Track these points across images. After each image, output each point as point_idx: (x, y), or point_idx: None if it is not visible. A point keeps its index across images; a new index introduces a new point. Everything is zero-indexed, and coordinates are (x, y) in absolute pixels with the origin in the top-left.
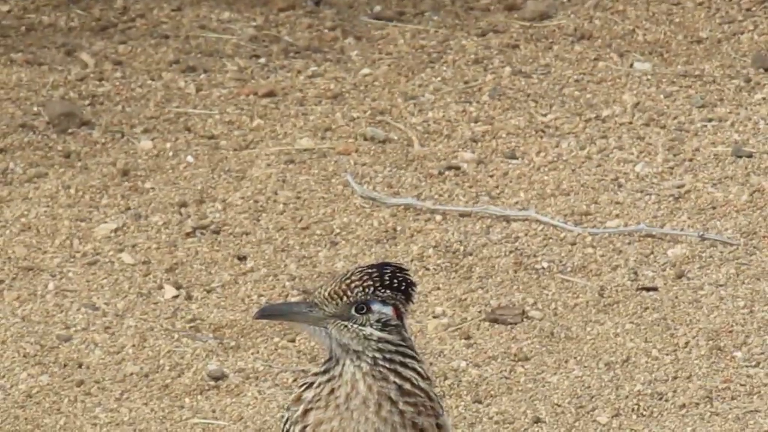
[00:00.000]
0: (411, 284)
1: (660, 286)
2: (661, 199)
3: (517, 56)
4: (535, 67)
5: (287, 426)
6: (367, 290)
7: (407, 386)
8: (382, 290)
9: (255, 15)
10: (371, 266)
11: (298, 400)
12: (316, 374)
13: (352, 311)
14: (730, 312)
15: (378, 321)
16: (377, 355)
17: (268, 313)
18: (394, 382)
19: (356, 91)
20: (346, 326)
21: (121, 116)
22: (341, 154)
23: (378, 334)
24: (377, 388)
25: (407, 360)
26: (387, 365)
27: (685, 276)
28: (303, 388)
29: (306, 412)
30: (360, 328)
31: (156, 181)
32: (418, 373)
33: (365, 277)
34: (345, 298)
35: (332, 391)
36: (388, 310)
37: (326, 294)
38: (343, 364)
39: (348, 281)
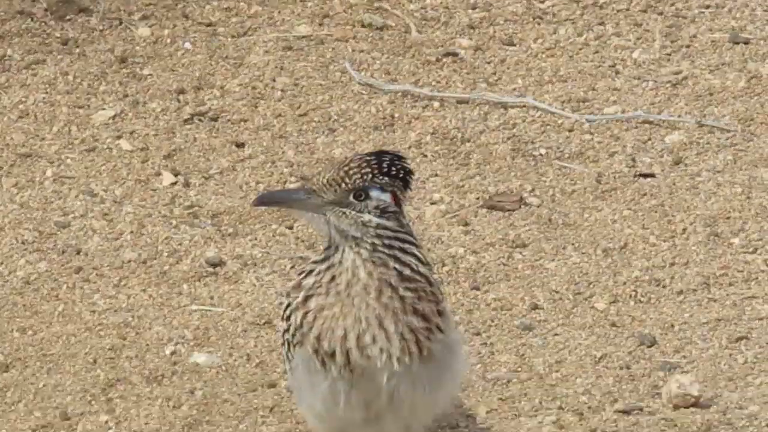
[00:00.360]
0: (409, 172)
1: (657, 172)
2: (658, 85)
3: None
4: None
5: (287, 312)
6: (365, 177)
7: (407, 272)
8: (381, 177)
9: None
10: (370, 154)
11: (299, 287)
12: (315, 262)
13: (351, 198)
14: (728, 198)
15: (376, 208)
16: (376, 241)
17: (266, 200)
18: (394, 268)
19: None
20: (344, 213)
21: (119, 3)
22: (339, 41)
23: (376, 220)
24: (377, 274)
25: (406, 246)
26: (386, 251)
27: (682, 162)
28: (302, 276)
29: (307, 298)
30: (358, 214)
31: (154, 68)
32: (418, 259)
33: (363, 165)
34: (343, 185)
35: (333, 278)
36: (387, 197)
37: (324, 181)
38: (343, 251)
39: (346, 168)
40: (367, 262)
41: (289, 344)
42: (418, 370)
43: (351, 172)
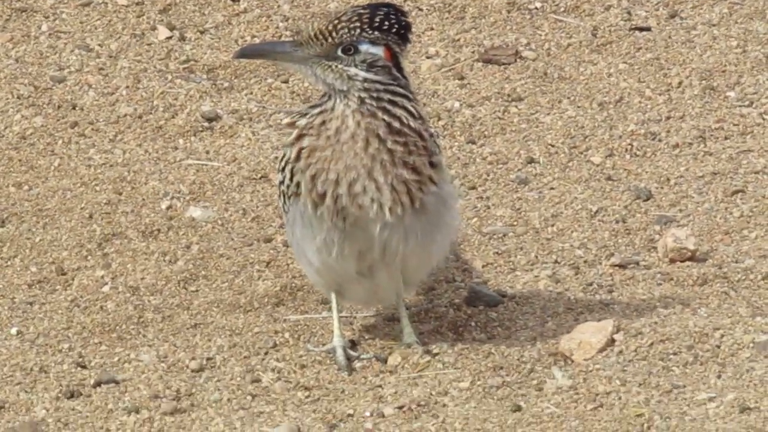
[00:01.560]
0: (406, 25)
1: (653, 25)
2: None
3: None
4: None
5: (282, 164)
6: (353, 32)
7: (396, 124)
8: (371, 31)
9: None
10: (364, 7)
11: (293, 125)
12: (311, 107)
13: (338, 52)
14: (723, 52)
15: (364, 62)
16: (363, 94)
17: (248, 52)
18: (383, 120)
19: None
20: (330, 66)
21: None
22: None
23: (364, 74)
24: (365, 124)
25: (397, 99)
26: (374, 104)
27: (678, 15)
28: (296, 117)
29: (300, 136)
30: (345, 68)
31: None
32: (409, 112)
33: (354, 18)
34: (330, 39)
35: (323, 122)
36: (378, 51)
37: (312, 33)
38: (335, 101)
39: (336, 22)
40: (355, 113)
41: (284, 196)
42: (410, 221)
43: (339, 26)
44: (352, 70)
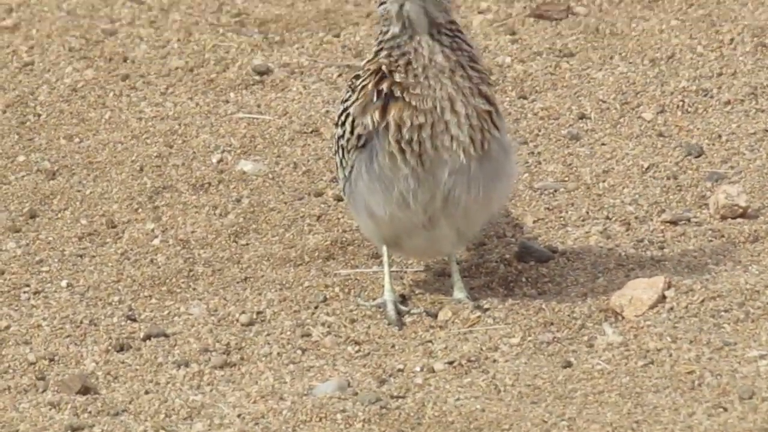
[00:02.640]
0: None
1: None
2: None
3: None
4: None
5: (342, 118)
6: None
7: (476, 53)
8: None
9: None
10: None
11: (375, 59)
12: (385, 44)
13: None
14: None
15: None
16: (447, 28)
17: None
18: (466, 51)
19: None
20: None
21: None
22: None
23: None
24: (454, 56)
25: (466, 36)
26: (460, 36)
27: None
28: (373, 57)
29: (390, 72)
30: (447, 2)
31: None
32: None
33: None
34: None
35: (409, 62)
36: None
37: None
38: (419, 39)
39: None
40: (444, 48)
41: (343, 150)
42: (475, 169)
43: None
44: (448, 5)
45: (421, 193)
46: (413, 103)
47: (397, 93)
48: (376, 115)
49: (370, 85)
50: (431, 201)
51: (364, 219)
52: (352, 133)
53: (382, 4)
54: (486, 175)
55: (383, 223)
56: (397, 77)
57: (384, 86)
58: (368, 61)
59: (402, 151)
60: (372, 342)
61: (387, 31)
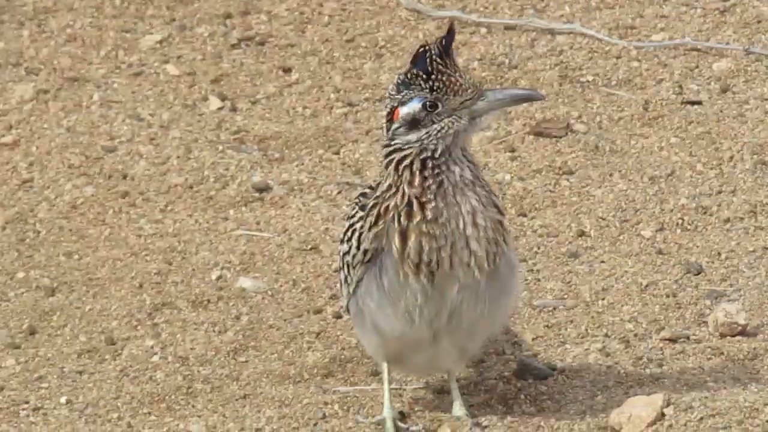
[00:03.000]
0: None
1: (705, 99)
2: (706, 12)
3: None
4: None
5: (350, 234)
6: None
7: (479, 171)
8: None
9: None
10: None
11: (397, 188)
12: (418, 172)
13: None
14: None
15: None
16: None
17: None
18: (475, 162)
19: None
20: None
21: None
22: None
23: None
24: (474, 168)
25: None
26: (468, 154)
27: (730, 90)
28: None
29: (422, 203)
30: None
31: None
32: None
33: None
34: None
35: (441, 183)
36: None
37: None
38: (455, 157)
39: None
40: (468, 162)
41: (348, 267)
42: (483, 286)
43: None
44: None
45: (428, 308)
46: (435, 231)
47: (419, 222)
48: (397, 241)
49: (395, 219)
50: (436, 317)
51: (369, 334)
52: (358, 248)
53: (436, 119)
54: (493, 292)
55: (390, 338)
56: (429, 212)
57: (409, 221)
58: (386, 191)
59: (417, 268)
60: None
61: (427, 153)
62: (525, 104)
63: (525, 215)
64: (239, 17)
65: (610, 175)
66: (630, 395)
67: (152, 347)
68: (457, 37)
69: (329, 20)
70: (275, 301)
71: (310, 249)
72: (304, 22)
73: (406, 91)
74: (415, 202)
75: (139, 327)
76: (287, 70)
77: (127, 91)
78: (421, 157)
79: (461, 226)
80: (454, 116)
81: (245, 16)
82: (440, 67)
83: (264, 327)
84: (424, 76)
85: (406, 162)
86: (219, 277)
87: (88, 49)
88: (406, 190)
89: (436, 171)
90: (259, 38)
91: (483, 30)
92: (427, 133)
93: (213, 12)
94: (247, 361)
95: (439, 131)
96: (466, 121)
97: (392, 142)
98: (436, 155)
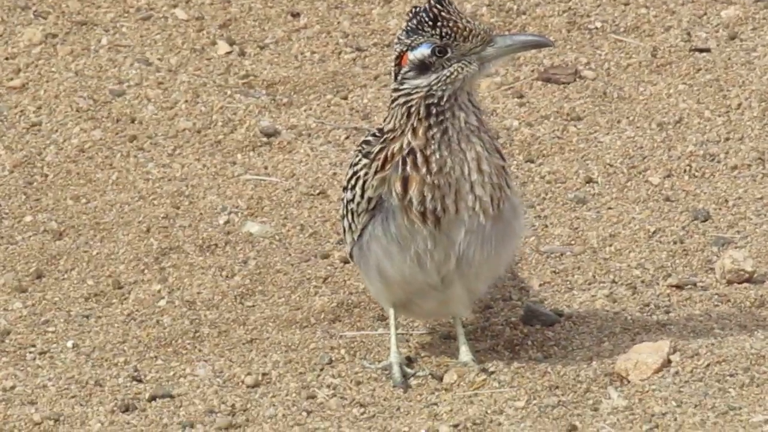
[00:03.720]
0: None
1: (713, 47)
2: None
3: None
4: None
5: (353, 182)
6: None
7: (483, 116)
8: None
9: None
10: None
11: (401, 135)
12: (422, 119)
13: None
14: None
15: None
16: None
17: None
18: (480, 107)
19: None
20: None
21: None
22: None
23: None
24: (479, 113)
25: None
26: (475, 100)
27: (738, 37)
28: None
29: (426, 156)
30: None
31: None
32: None
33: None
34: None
35: (445, 130)
36: None
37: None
38: (461, 103)
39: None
40: (474, 107)
41: (353, 214)
42: (489, 229)
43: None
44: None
45: (437, 253)
46: (439, 182)
47: (423, 174)
48: (398, 187)
49: (399, 165)
50: (445, 261)
51: (375, 281)
52: (362, 196)
53: (446, 65)
54: (497, 234)
55: (396, 284)
56: (434, 164)
57: (413, 171)
58: (391, 132)
59: (423, 216)
60: (377, 404)
61: (433, 99)
62: (534, 51)
63: (533, 161)
64: None
65: (618, 121)
66: (636, 342)
67: (159, 291)
68: None
69: None
70: (282, 245)
71: (318, 194)
72: None
73: (415, 36)
74: (419, 153)
75: (146, 271)
76: (296, 15)
77: (135, 35)
78: (427, 102)
79: (466, 172)
80: (463, 61)
81: None
82: (446, 13)
83: (271, 272)
84: (432, 23)
85: (413, 106)
86: (226, 222)
87: None
88: (410, 138)
89: (440, 118)
90: None
91: None
92: (436, 78)
93: None
94: (253, 306)
95: (448, 76)
96: (476, 67)
97: (401, 87)
98: (443, 101)
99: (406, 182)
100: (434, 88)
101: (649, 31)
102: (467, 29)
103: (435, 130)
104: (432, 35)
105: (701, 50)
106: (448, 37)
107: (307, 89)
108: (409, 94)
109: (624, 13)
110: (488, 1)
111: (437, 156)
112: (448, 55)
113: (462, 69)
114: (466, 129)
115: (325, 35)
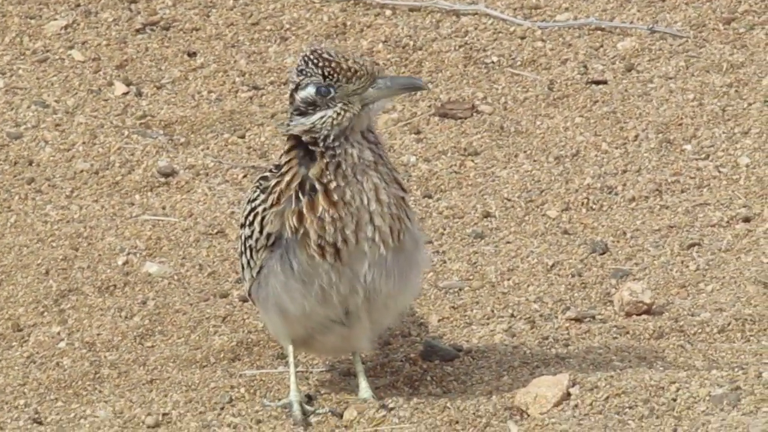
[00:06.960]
0: None
1: (610, 79)
2: None
3: None
4: None
5: (250, 218)
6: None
7: (383, 151)
8: None
9: None
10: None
11: (291, 168)
12: (308, 158)
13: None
14: (680, 105)
15: None
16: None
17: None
18: (380, 143)
19: None
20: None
21: None
22: None
23: None
24: (376, 150)
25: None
26: (372, 135)
27: (634, 69)
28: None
29: (324, 184)
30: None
31: None
32: None
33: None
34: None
35: (338, 165)
36: None
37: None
38: (351, 140)
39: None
40: (370, 143)
41: (251, 250)
42: (390, 261)
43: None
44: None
45: (342, 286)
46: (339, 213)
47: (320, 199)
48: (294, 221)
49: (293, 198)
50: (352, 294)
51: (274, 317)
52: (261, 232)
53: (330, 104)
54: (400, 265)
55: (296, 320)
56: (334, 194)
57: (310, 205)
58: (283, 167)
59: (322, 250)
60: None
61: (321, 137)
62: (417, 92)
63: (430, 197)
64: (144, 2)
65: (516, 155)
66: (536, 375)
67: (59, 333)
68: (362, 20)
69: (234, 4)
70: (181, 285)
71: (216, 233)
72: (209, 6)
73: (303, 77)
74: (316, 182)
75: (45, 313)
76: (192, 55)
77: (32, 77)
78: (314, 138)
79: (365, 201)
80: (345, 102)
81: (150, 0)
82: (331, 54)
83: (170, 312)
84: (316, 63)
85: (301, 143)
86: (125, 263)
87: None
88: (302, 171)
89: (330, 153)
90: (164, 23)
91: (387, 12)
92: (321, 117)
93: None
94: (153, 346)
95: (332, 117)
96: (358, 107)
97: (290, 123)
98: (329, 139)
99: (301, 216)
100: (317, 126)
101: (546, 64)
102: (351, 70)
103: (327, 160)
104: (317, 75)
105: (598, 82)
106: (331, 77)
107: (205, 128)
108: (297, 131)
109: (520, 46)
110: (384, 37)
111: (333, 185)
112: (332, 95)
113: (344, 110)
114: (361, 164)
115: (221, 74)
